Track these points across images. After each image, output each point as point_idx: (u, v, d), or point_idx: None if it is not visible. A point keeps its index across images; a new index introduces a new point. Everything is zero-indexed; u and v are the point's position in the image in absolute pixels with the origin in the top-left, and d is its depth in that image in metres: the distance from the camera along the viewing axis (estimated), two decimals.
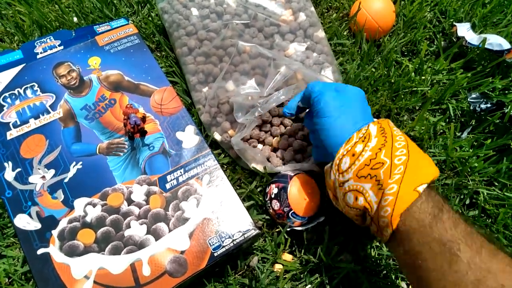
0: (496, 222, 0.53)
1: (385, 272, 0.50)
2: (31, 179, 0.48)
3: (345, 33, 0.67)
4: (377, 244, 0.52)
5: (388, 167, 0.36)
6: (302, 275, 0.50)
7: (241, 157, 0.52)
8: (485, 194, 0.55)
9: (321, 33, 0.60)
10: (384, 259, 0.51)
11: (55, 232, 0.45)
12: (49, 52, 0.56)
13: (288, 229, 0.50)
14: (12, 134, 0.50)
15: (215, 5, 0.57)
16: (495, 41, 0.60)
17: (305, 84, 0.53)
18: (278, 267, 0.50)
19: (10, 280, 0.49)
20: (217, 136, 0.54)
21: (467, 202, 0.55)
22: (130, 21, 0.60)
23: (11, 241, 0.51)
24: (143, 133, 0.51)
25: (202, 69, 0.55)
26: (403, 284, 0.49)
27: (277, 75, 0.50)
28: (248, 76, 0.53)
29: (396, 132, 0.40)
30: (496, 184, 0.57)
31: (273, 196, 0.49)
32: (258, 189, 0.53)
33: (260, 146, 0.55)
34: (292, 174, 0.50)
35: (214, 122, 0.54)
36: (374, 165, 0.37)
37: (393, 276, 0.50)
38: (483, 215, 0.55)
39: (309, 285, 0.49)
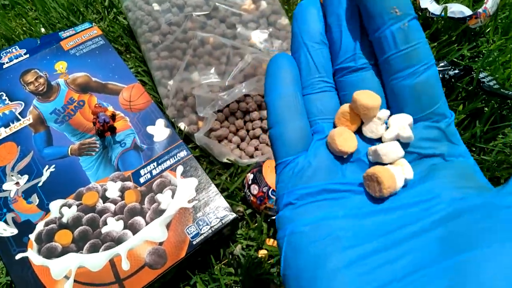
0: None
1: None
2: (4, 186, 0.48)
3: None
4: None
5: None
6: None
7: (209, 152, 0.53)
8: None
9: (284, 20, 0.60)
10: None
11: (32, 236, 0.45)
12: (15, 61, 0.56)
13: (269, 220, 0.51)
14: None
15: None
16: (457, 9, 0.61)
17: None
18: (262, 252, 0.50)
19: None
20: (182, 126, 0.54)
21: None
22: (93, 23, 0.61)
23: None
24: (113, 130, 0.51)
25: (166, 63, 0.56)
26: None
27: (238, 63, 0.51)
28: (212, 66, 0.54)
29: None
30: (474, 149, 0.57)
31: (250, 182, 0.50)
32: (235, 178, 0.53)
33: (235, 138, 0.56)
34: (264, 160, 0.51)
35: (181, 115, 0.55)
36: None
37: None
38: None
39: None
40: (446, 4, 0.61)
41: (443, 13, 0.61)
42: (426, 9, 0.63)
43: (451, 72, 0.57)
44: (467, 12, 0.60)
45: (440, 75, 0.58)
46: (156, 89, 0.59)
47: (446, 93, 0.60)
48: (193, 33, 0.55)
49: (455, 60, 0.63)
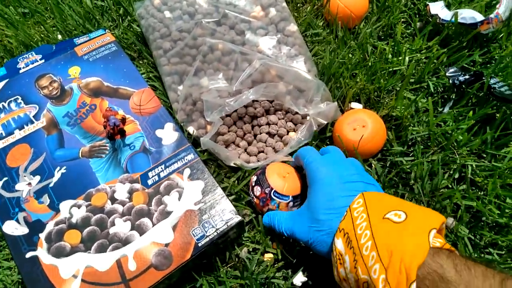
0: (488, 194, 0.52)
1: None
2: (17, 186, 0.49)
3: (320, 23, 0.68)
4: None
5: (371, 282, 0.33)
6: (293, 263, 0.50)
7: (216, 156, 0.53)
8: (474, 166, 0.54)
9: (293, 27, 0.61)
10: None
11: (42, 235, 0.46)
12: (31, 66, 0.58)
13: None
14: None
15: (186, 6, 0.59)
16: (468, 15, 0.60)
17: (278, 80, 0.55)
18: (268, 256, 0.50)
19: None
20: (191, 130, 0.55)
21: (456, 176, 0.54)
22: (107, 30, 0.63)
23: (7, 252, 0.53)
24: (123, 133, 0.52)
25: (176, 69, 0.57)
26: None
27: (246, 69, 0.51)
28: (220, 72, 0.55)
29: (359, 227, 0.36)
30: (485, 155, 0.56)
31: (253, 184, 0.50)
32: (242, 182, 0.54)
33: (242, 143, 0.56)
34: (268, 163, 0.52)
35: (190, 120, 0.56)
36: (362, 284, 0.34)
37: None
38: (473, 188, 0.54)
39: (300, 272, 0.49)
40: (457, 10, 0.61)
41: (453, 19, 0.60)
42: (436, 15, 0.62)
43: (461, 78, 0.57)
44: (479, 17, 0.60)
45: (450, 81, 0.57)
46: (167, 94, 0.60)
47: (456, 99, 0.59)
48: (202, 39, 0.56)
49: (466, 66, 0.62)
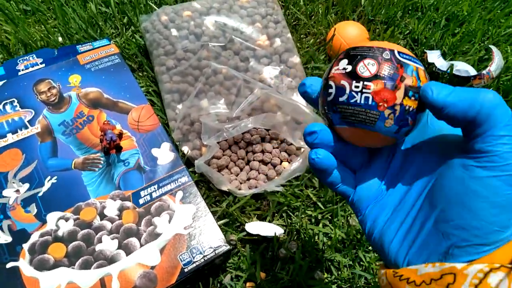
0: None
1: None
2: (4, 192, 0.48)
3: (322, 57, 0.70)
4: (350, 263, 0.52)
5: None
6: None
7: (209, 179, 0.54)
8: None
9: (296, 59, 0.62)
10: (356, 278, 0.51)
11: (26, 246, 0.45)
12: (30, 69, 0.57)
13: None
14: None
15: (194, 27, 0.60)
16: (463, 68, 0.63)
17: (277, 109, 0.55)
18: (250, 284, 0.51)
19: None
20: (186, 150, 0.55)
21: None
22: (112, 41, 0.62)
23: None
24: (119, 149, 0.52)
25: (178, 88, 0.57)
26: None
27: (248, 97, 0.52)
28: (222, 96, 0.55)
29: None
30: None
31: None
32: (233, 207, 0.54)
33: (235, 169, 0.57)
34: (262, 190, 0.52)
35: (186, 139, 0.56)
36: None
37: None
38: None
39: None
40: (453, 62, 0.64)
41: (449, 70, 0.63)
42: (433, 63, 0.65)
43: None
44: (472, 72, 0.63)
45: None
46: (164, 111, 0.60)
47: None
48: (207, 62, 0.57)
49: None
